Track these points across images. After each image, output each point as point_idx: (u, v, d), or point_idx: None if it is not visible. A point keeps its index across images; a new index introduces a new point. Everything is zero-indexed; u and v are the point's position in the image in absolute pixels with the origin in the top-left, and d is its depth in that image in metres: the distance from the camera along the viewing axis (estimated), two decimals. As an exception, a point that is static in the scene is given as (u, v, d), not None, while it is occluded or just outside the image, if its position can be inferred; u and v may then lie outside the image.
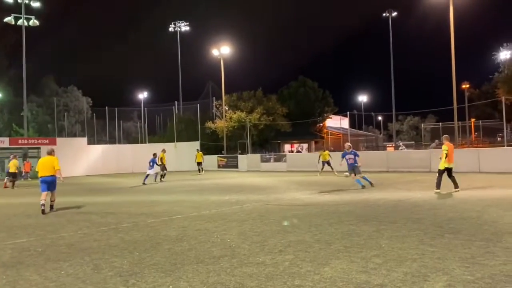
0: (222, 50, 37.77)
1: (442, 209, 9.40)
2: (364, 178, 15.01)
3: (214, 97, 48.39)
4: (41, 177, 11.54)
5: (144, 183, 20.51)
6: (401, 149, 37.80)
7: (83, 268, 5.53)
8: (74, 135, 50.71)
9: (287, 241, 6.59)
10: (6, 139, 34.73)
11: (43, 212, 11.11)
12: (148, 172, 21.28)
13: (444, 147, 12.46)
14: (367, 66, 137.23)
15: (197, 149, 32.06)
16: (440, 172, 12.44)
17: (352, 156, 15.23)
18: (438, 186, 12.34)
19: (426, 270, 4.86)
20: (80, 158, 35.24)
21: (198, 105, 44.35)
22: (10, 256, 6.34)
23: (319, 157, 23.42)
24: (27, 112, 41.30)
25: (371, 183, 14.86)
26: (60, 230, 8.43)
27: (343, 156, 15.61)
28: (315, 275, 4.82)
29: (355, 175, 15.12)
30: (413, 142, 54.77)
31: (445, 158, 12.25)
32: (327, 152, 23.88)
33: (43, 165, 11.59)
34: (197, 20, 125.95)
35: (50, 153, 11.87)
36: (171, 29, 54.89)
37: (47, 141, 35.07)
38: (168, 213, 10.24)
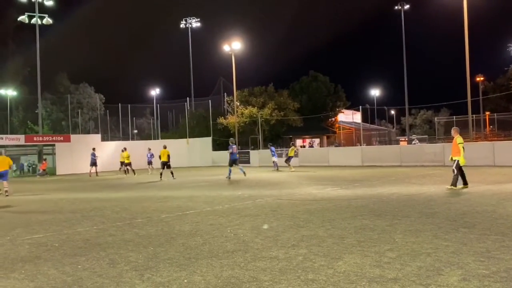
0: (233, 46, 37.72)
1: (456, 203, 9.33)
2: (240, 169, 19.41)
3: (225, 93, 48.55)
4: None
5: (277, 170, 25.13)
6: (415, 143, 37.48)
7: (99, 262, 5.61)
8: (88, 132, 51.35)
9: (300, 236, 6.60)
10: (22, 136, 35.28)
11: (7, 195, 15.13)
12: (274, 160, 25.93)
13: (459, 140, 11.71)
14: (379, 60, 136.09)
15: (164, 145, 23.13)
16: (460, 168, 11.67)
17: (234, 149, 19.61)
18: (455, 183, 11.67)
19: (440, 264, 4.83)
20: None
21: (210, 101, 44.59)
22: (28, 251, 6.46)
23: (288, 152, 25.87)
24: (42, 110, 41.84)
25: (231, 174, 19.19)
26: (76, 226, 8.56)
27: (229, 149, 19.59)
28: (329, 269, 4.83)
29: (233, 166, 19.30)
30: (426, 136, 54.24)
31: (463, 152, 11.54)
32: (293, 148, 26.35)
33: (0, 163, 15.46)
34: (208, 17, 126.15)
35: (2, 153, 16.21)
36: (182, 25, 55.00)
37: (62, 138, 35.55)
38: (181, 208, 10.33)
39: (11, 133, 43.47)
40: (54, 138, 35.91)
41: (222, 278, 4.70)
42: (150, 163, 28.48)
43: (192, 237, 6.92)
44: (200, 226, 7.88)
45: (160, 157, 21.66)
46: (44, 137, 35.97)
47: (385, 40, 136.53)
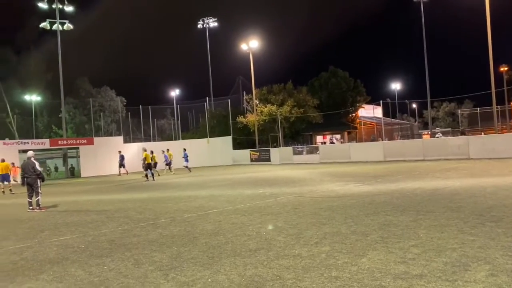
0: (251, 44, 37.76)
1: (482, 196, 9.13)
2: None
3: (244, 92, 48.63)
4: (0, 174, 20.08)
5: None
6: (438, 137, 36.81)
7: (125, 263, 5.71)
8: (110, 134, 52.13)
9: (322, 233, 6.57)
10: (47, 141, 36.10)
11: (3, 192, 20.15)
12: (185, 164, 28.35)
13: None
14: (400, 53, 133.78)
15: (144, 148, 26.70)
16: None
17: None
18: None
19: (467, 259, 4.74)
20: (117, 156, 36.21)
21: (229, 100, 44.66)
22: (55, 253, 6.62)
23: (149, 159, 24.10)
24: (65, 114, 42.72)
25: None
26: (101, 227, 8.72)
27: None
28: (353, 266, 4.80)
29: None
30: (449, 128, 53.12)
31: None
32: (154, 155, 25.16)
33: (1, 168, 20.18)
34: (225, 16, 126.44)
35: (4, 160, 20.71)
36: (199, 26, 55.30)
37: (85, 141, 36.19)
38: (203, 208, 10.41)
39: (37, 137, 44.54)
40: (78, 141, 36.59)
41: (245, 276, 4.71)
42: (169, 164, 29.11)
43: (215, 236, 6.97)
44: (223, 225, 7.92)
45: (144, 160, 23.90)
46: (68, 141, 36.71)
47: (405, 32, 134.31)
